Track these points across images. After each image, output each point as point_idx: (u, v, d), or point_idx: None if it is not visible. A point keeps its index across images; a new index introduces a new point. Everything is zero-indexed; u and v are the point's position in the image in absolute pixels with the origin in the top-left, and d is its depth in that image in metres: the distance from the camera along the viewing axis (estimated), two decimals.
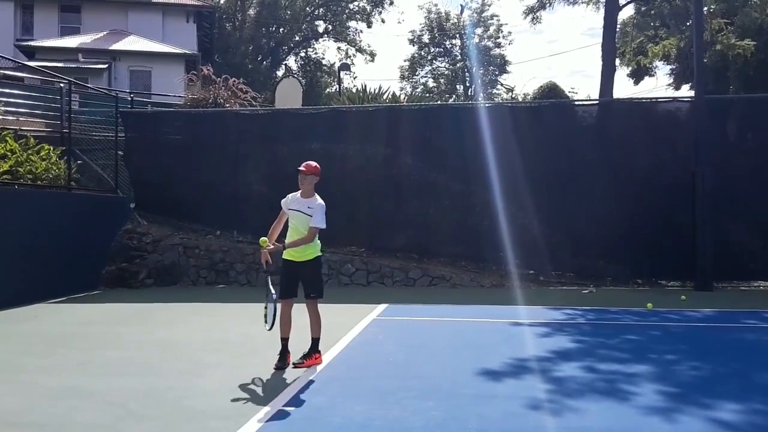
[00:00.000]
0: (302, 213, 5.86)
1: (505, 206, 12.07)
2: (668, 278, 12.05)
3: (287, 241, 5.95)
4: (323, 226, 5.88)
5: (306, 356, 5.96)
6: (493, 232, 12.10)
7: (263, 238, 5.89)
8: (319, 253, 6.06)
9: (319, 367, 5.95)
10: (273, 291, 5.91)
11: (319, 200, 5.92)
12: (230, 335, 7.70)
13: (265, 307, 5.98)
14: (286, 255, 5.94)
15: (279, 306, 5.90)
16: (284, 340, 5.98)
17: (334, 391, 5.19)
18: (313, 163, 5.99)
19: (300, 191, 5.97)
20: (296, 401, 4.92)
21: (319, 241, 6.00)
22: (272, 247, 5.86)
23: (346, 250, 12.90)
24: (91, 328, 8.29)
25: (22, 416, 4.64)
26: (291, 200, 5.98)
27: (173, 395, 5.12)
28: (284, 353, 5.95)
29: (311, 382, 5.48)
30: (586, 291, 11.50)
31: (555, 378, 5.55)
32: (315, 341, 6.02)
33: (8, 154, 11.23)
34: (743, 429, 4.25)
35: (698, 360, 6.32)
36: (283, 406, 4.79)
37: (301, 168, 5.92)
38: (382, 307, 9.71)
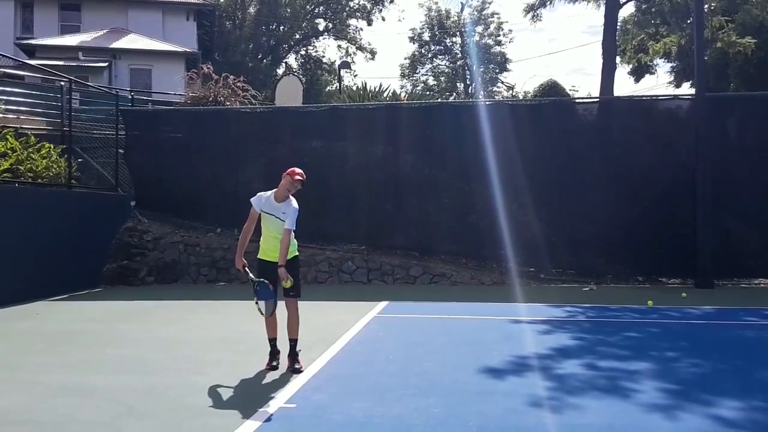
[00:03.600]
0: (276, 217, 5.71)
1: (506, 204, 12.06)
2: (669, 276, 12.04)
3: (263, 245, 5.86)
4: (293, 228, 5.71)
5: (295, 359, 5.78)
6: (494, 230, 12.09)
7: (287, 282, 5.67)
8: (296, 253, 5.93)
9: (320, 365, 5.94)
10: (255, 280, 5.81)
11: (294, 204, 5.74)
12: (231, 333, 7.71)
13: (256, 301, 5.81)
14: (263, 255, 5.85)
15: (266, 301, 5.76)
16: (273, 341, 5.90)
17: (334, 389, 5.19)
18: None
19: (273, 192, 5.76)
20: (297, 398, 4.92)
21: (295, 240, 5.89)
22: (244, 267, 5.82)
23: (347, 248, 12.89)
24: (92, 326, 8.30)
25: (22, 414, 4.64)
26: (265, 202, 5.75)
27: (174, 393, 5.12)
28: (275, 353, 5.88)
29: (312, 379, 5.48)
30: (587, 288, 11.49)
31: (555, 375, 5.55)
32: (294, 342, 5.84)
33: (9, 152, 11.23)
34: (744, 426, 4.25)
35: (699, 357, 6.33)
36: (284, 403, 4.79)
37: (300, 178, 5.68)
38: (382, 304, 9.70)
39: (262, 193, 5.86)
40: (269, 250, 5.82)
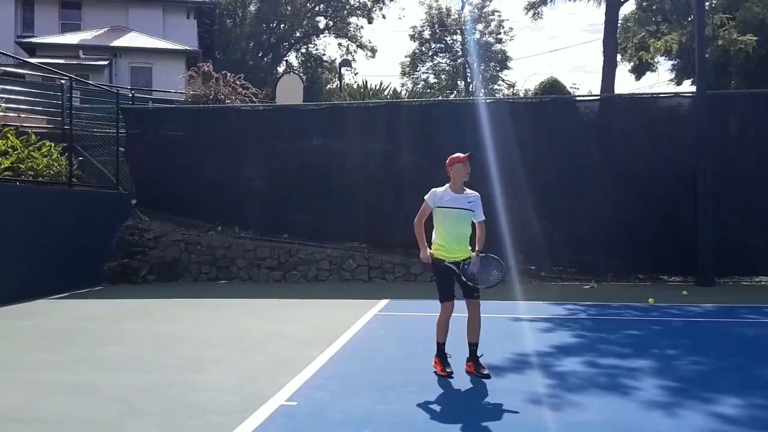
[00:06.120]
0: (463, 209, 5.54)
1: (506, 202, 12.02)
2: (669, 273, 12.05)
3: (447, 245, 5.49)
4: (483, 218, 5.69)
5: (478, 364, 5.50)
6: (494, 228, 12.01)
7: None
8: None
9: (321, 363, 5.94)
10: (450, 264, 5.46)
11: (475, 192, 5.74)
12: (232, 331, 7.71)
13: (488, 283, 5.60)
14: (448, 255, 5.47)
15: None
16: (442, 345, 5.56)
17: (335, 387, 5.20)
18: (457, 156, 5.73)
19: (447, 187, 5.67)
20: (298, 396, 4.92)
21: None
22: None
23: (348, 246, 12.89)
24: (93, 324, 8.31)
25: (23, 412, 4.65)
26: (442, 197, 5.55)
27: (175, 390, 5.13)
28: (445, 358, 5.52)
29: (313, 377, 5.48)
30: (588, 286, 11.49)
31: (556, 373, 5.55)
32: (474, 347, 5.55)
33: (10, 150, 11.26)
34: (744, 423, 4.25)
35: (699, 355, 6.33)
36: (285, 401, 4.79)
37: (466, 156, 5.71)
38: (383, 302, 9.70)
39: (436, 189, 5.68)
40: (456, 249, 5.49)
